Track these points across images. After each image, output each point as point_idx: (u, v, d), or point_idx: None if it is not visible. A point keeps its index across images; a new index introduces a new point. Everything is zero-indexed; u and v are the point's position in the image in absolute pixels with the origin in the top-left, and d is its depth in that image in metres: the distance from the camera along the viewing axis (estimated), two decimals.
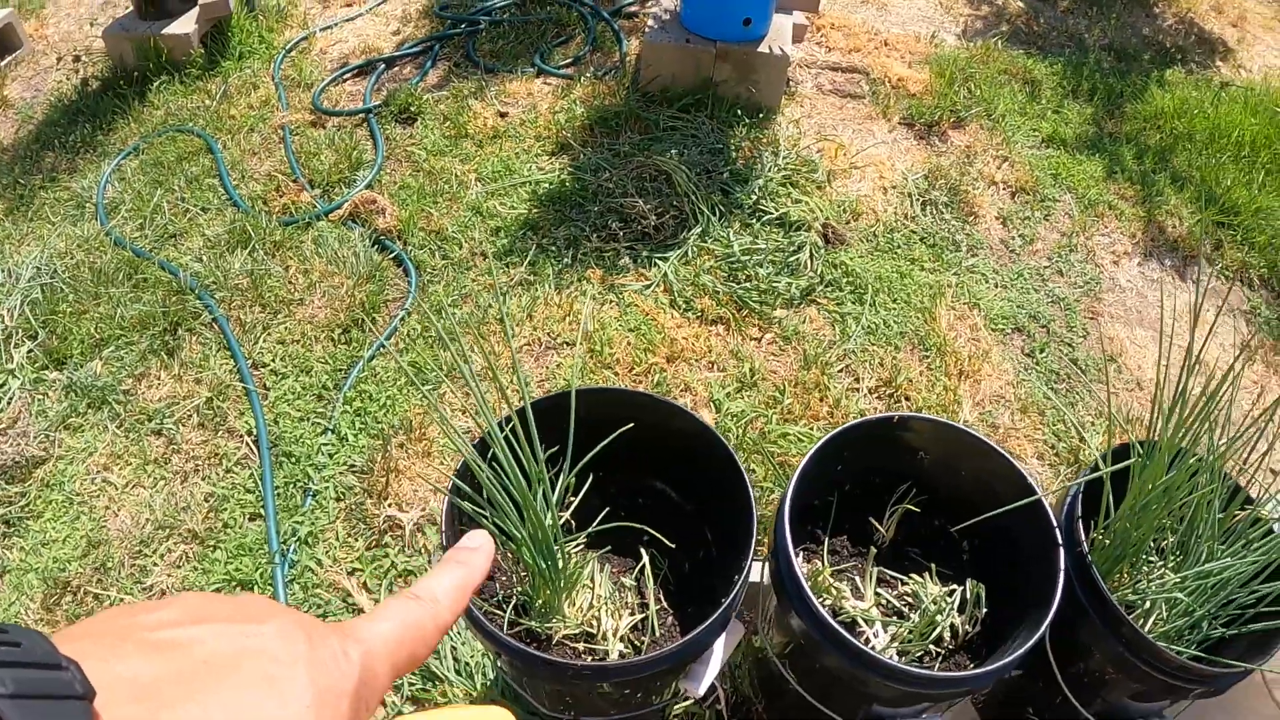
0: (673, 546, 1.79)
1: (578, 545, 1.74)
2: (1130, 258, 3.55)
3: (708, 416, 2.75)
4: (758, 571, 1.98)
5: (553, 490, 1.57)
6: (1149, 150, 4.10)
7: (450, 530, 1.61)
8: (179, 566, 2.44)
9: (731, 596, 1.56)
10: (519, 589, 1.74)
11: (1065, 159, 3.86)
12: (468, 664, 2.28)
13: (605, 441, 1.59)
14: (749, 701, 2.26)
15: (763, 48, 3.63)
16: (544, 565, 1.60)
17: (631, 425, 1.64)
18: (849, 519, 1.98)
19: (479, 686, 2.23)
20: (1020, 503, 1.71)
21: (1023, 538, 1.81)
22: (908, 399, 2.84)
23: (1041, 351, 3.06)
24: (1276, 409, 1.79)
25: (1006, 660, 1.58)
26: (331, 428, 2.73)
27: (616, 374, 2.84)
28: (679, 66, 3.70)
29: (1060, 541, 1.76)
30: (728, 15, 3.60)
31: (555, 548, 1.58)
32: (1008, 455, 1.83)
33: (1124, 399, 3.03)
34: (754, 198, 3.25)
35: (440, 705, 2.27)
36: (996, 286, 3.24)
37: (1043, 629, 1.63)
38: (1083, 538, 1.76)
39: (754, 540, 1.64)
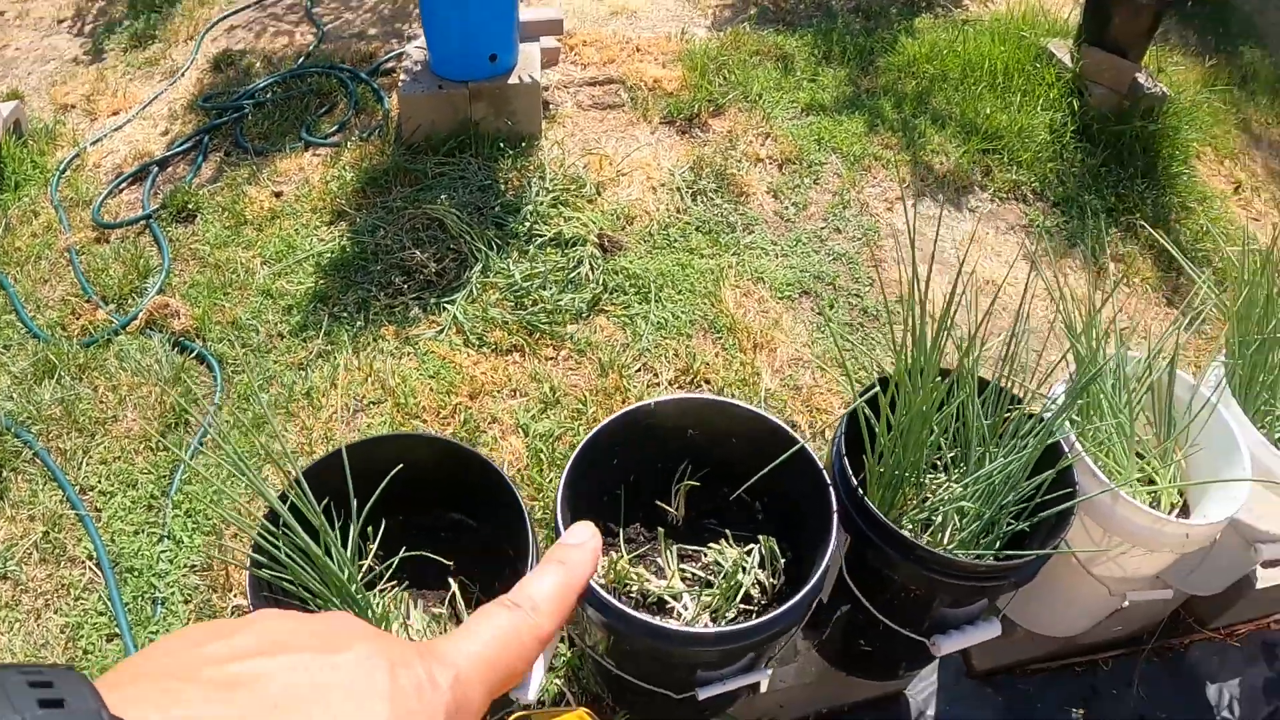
0: (448, 563, 1.82)
1: (386, 588, 1.77)
2: (903, 201, 3.70)
3: (517, 442, 2.79)
4: None
5: (345, 543, 1.61)
6: (907, 98, 4.28)
7: (256, 600, 1.63)
8: None
9: None
10: None
11: (826, 123, 4.01)
12: None
13: (377, 490, 1.63)
14: (599, 698, 2.30)
15: (513, 79, 3.70)
16: (352, 613, 1.64)
17: (401, 465, 1.69)
18: (643, 507, 2.04)
19: None
20: (784, 455, 1.78)
21: (802, 486, 1.88)
22: (707, 381, 2.92)
23: (831, 308, 3.18)
24: (1025, 310, 1.90)
25: (794, 601, 1.65)
26: (166, 534, 2.72)
27: (424, 421, 2.87)
28: (437, 113, 3.74)
29: (829, 481, 1.84)
30: (473, 55, 3.66)
31: (357, 596, 1.62)
32: (761, 412, 1.91)
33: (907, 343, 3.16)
34: (527, 224, 3.31)
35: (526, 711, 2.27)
36: (777, 257, 3.35)
37: (820, 569, 1.71)
38: (850, 473, 1.84)
39: (531, 548, 1.69)
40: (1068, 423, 2.10)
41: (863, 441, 1.83)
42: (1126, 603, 2.22)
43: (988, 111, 4.26)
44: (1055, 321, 2.17)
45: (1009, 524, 1.95)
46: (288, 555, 1.54)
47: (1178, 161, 4.55)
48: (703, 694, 1.80)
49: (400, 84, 3.80)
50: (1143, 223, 4.10)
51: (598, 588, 1.65)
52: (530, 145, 3.69)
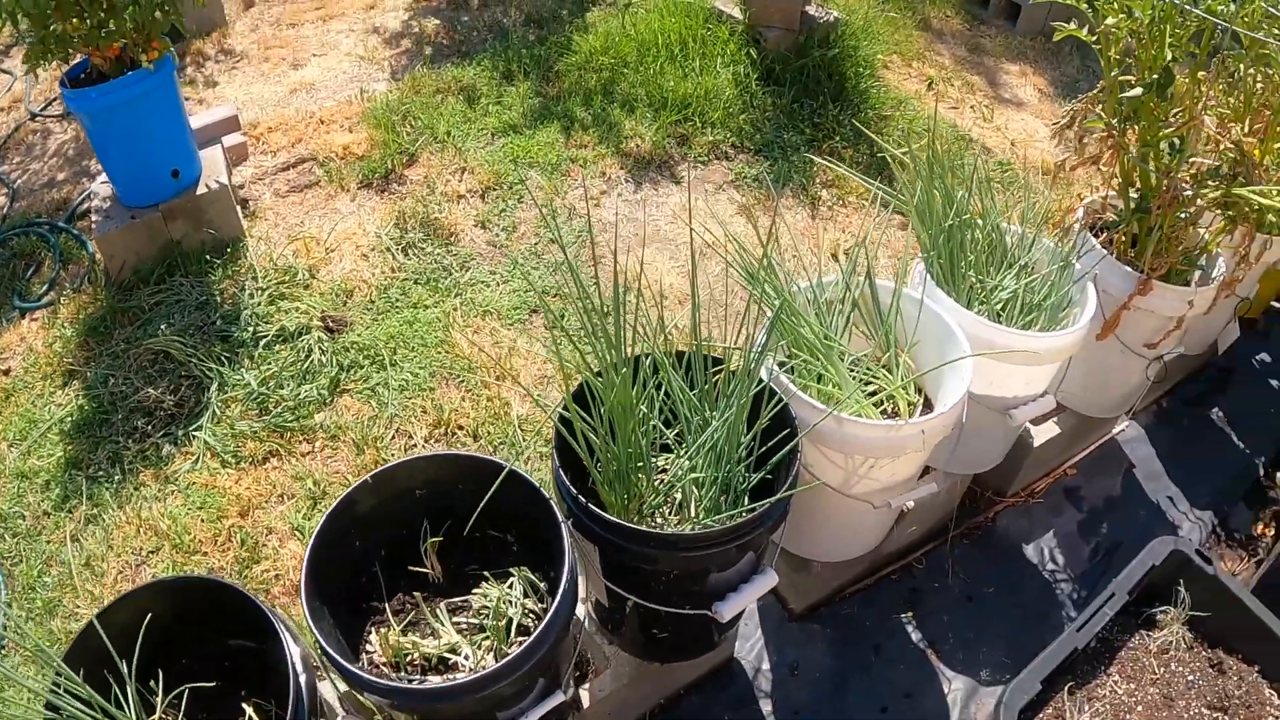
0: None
1: None
2: (609, 193, 3.84)
3: (296, 546, 2.83)
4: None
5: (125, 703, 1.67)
6: (593, 93, 4.42)
7: None
8: None
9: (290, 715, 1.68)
10: None
11: (520, 141, 4.12)
12: None
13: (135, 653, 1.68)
14: None
15: (201, 189, 3.69)
16: None
17: (151, 616, 1.75)
18: (401, 575, 2.12)
19: None
20: (496, 483, 1.88)
21: (533, 509, 1.99)
22: (460, 428, 3.01)
23: (563, 318, 3.29)
24: (702, 273, 2.01)
25: (544, 625, 1.76)
26: None
27: (206, 554, 2.88)
28: (138, 244, 3.71)
29: (547, 496, 1.95)
30: (155, 176, 3.64)
31: None
32: (463, 453, 2.01)
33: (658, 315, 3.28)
34: (250, 329, 3.33)
35: None
36: (499, 285, 3.46)
37: (561, 586, 1.82)
38: (568, 484, 1.94)
39: (289, 660, 1.75)
40: (775, 366, 2.24)
41: (582, 448, 1.93)
42: (893, 507, 2.37)
43: (671, 84, 4.43)
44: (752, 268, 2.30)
45: (745, 479, 2.08)
46: None
47: (864, 78, 4.79)
48: None
49: (94, 225, 3.75)
50: (842, 145, 4.32)
51: (370, 676, 1.73)
52: (236, 249, 3.70)
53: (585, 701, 2.34)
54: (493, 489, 1.86)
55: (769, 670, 2.64)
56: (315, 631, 1.76)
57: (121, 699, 1.71)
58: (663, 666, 2.44)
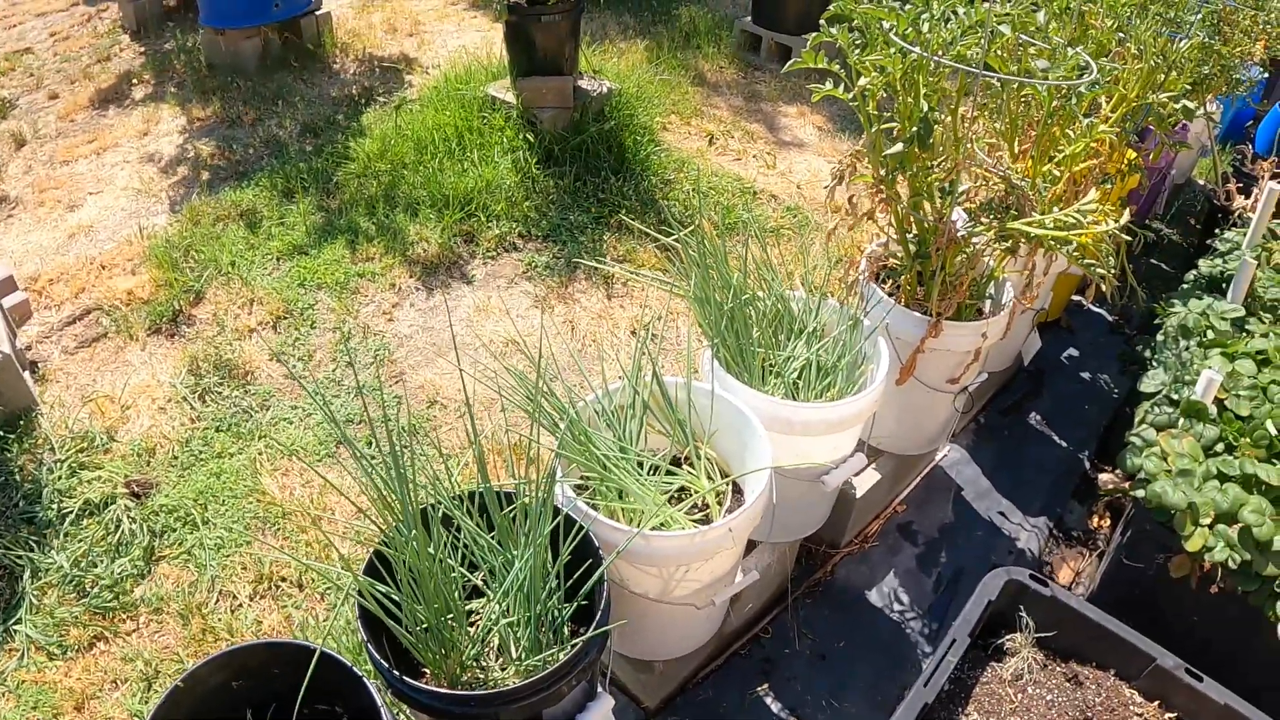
0: None
1: None
2: (401, 306, 3.89)
3: None
4: None
5: None
6: (375, 200, 4.45)
7: None
8: None
9: None
10: None
11: (306, 262, 4.14)
12: None
13: None
14: None
15: None
16: None
17: None
18: None
19: None
20: (310, 668, 1.92)
21: (350, 683, 2.04)
22: (284, 579, 3.03)
23: (369, 445, 3.33)
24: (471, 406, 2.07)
25: None
26: None
27: None
28: None
29: (360, 675, 2.02)
30: None
31: None
32: (267, 640, 2.06)
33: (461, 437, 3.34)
34: (55, 506, 3.28)
35: None
36: (302, 420, 3.48)
37: None
38: (379, 658, 2.00)
39: None
40: (572, 491, 2.31)
41: (385, 617, 1.99)
42: (716, 605, 2.45)
43: (452, 180, 4.49)
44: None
45: (561, 610, 2.15)
46: None
47: (644, 145, 4.92)
48: None
49: None
50: (628, 218, 4.43)
51: None
52: (29, 419, 3.63)
53: None
54: (308, 675, 1.90)
55: None
56: None
57: None
58: None
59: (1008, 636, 2.45)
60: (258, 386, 3.63)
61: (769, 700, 2.79)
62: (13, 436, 3.57)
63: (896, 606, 3.06)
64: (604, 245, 4.35)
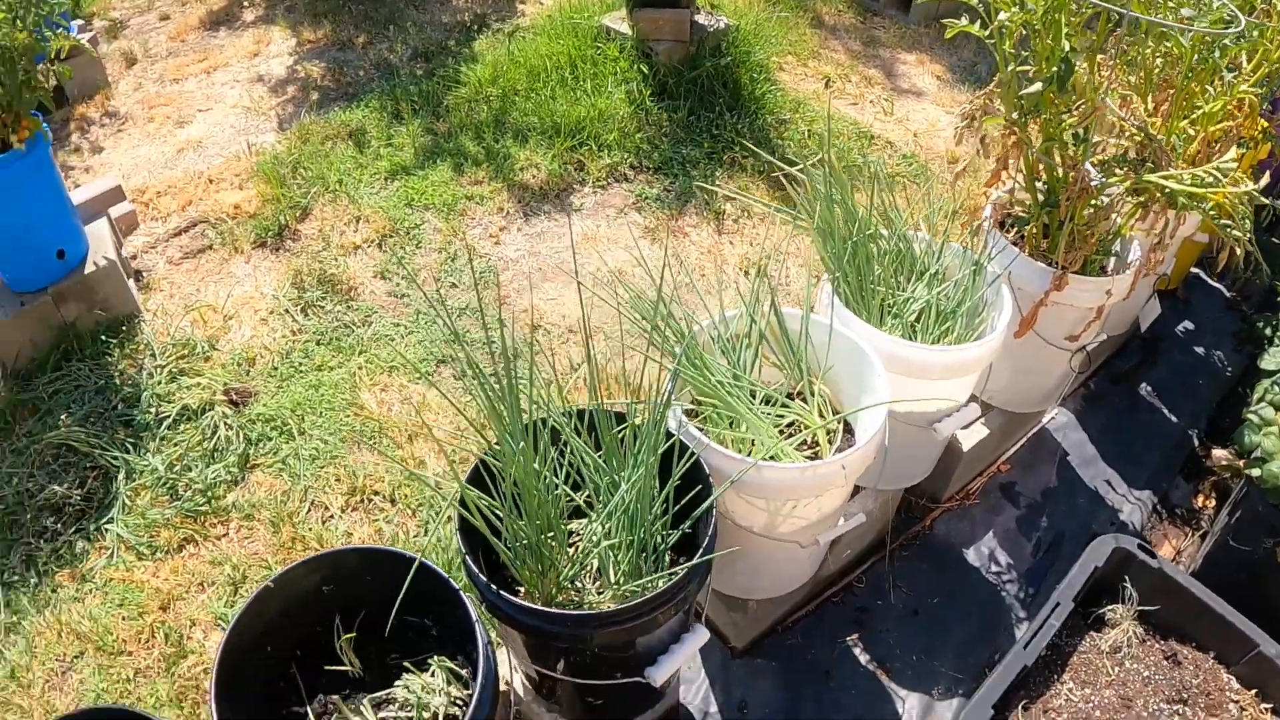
0: None
1: None
2: (509, 230, 3.79)
3: (219, 636, 2.76)
4: None
5: None
6: (484, 125, 4.36)
7: None
8: None
9: None
10: None
11: (413, 182, 4.06)
12: None
13: None
14: None
15: (89, 267, 3.59)
16: None
17: None
18: (321, 675, 2.07)
19: None
20: (409, 575, 1.83)
21: (446, 594, 1.94)
22: (377, 493, 2.96)
23: (472, 367, 3.22)
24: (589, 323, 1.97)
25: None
26: None
27: (131, 653, 2.80)
28: (31, 331, 3.59)
29: (457, 587, 1.90)
30: (40, 260, 3.53)
31: None
32: (368, 546, 1.96)
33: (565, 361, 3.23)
34: (152, 410, 3.25)
35: None
36: (403, 338, 3.40)
37: (479, 678, 1.78)
38: (476, 570, 1.89)
39: None
40: (684, 415, 2.19)
41: (484, 529, 1.89)
42: (820, 544, 2.33)
43: (564, 109, 4.38)
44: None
45: (665, 536, 2.04)
46: None
47: (760, 83, 4.76)
48: None
49: None
50: (742, 155, 4.29)
51: None
52: (132, 326, 3.61)
53: None
54: (405, 584, 1.80)
55: (717, 712, 2.58)
56: None
57: None
58: None
59: (1109, 607, 2.35)
60: (360, 303, 3.56)
61: (858, 651, 2.69)
62: (114, 342, 3.55)
63: (994, 568, 2.93)
64: (716, 181, 4.20)
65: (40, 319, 3.59)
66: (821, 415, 2.31)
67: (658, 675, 1.98)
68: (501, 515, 1.88)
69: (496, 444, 1.93)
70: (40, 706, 2.76)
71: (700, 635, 2.07)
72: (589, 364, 2.01)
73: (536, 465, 1.91)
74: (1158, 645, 2.30)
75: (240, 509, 3.00)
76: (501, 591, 1.86)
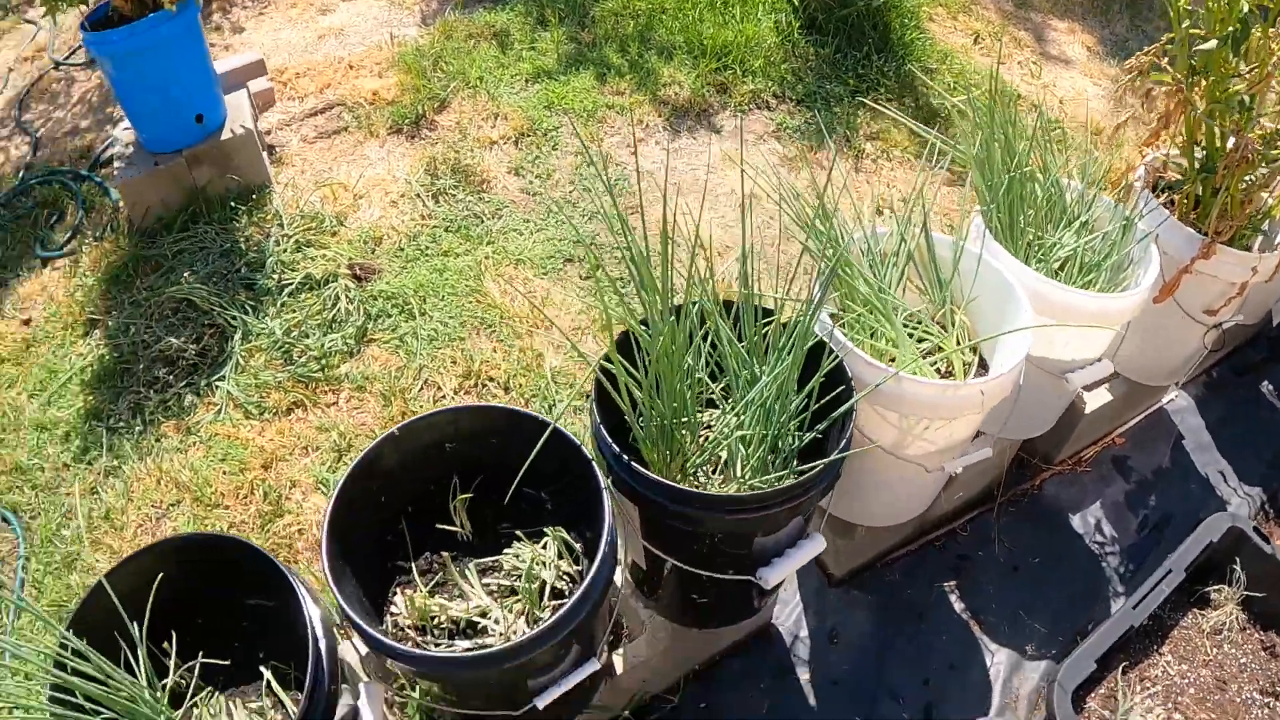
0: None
1: (202, 698, 1.75)
2: (646, 141, 3.69)
3: (320, 500, 2.72)
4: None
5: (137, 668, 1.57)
6: (629, 39, 4.26)
7: None
8: None
9: (309, 679, 1.56)
10: None
11: (554, 86, 3.97)
12: None
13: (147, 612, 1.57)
14: None
15: (226, 134, 3.57)
16: None
17: (162, 576, 1.66)
18: (428, 533, 2.00)
19: None
20: (540, 442, 1.74)
21: (573, 466, 1.86)
22: (491, 379, 2.89)
23: (598, 269, 3.15)
24: (748, 223, 1.88)
25: (581, 591, 1.63)
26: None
27: (228, 507, 2.78)
28: (161, 190, 3.60)
29: (589, 455, 1.81)
30: (178, 122, 3.52)
31: None
32: (502, 405, 1.87)
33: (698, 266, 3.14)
34: (275, 276, 3.22)
35: None
36: (532, 234, 3.32)
37: (600, 549, 1.69)
38: (610, 441, 1.81)
39: (308, 622, 1.63)
40: (828, 319, 2.10)
41: (625, 401, 1.80)
42: (945, 471, 2.24)
43: (710, 31, 4.26)
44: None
45: (795, 439, 1.95)
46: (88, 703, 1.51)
47: (909, 29, 4.61)
48: (542, 701, 1.77)
49: (117, 172, 3.64)
50: (887, 98, 4.16)
51: (393, 642, 1.61)
52: (262, 195, 3.58)
53: (618, 667, 2.23)
54: (537, 447, 1.72)
55: (807, 637, 2.54)
56: (336, 593, 1.64)
57: (133, 662, 1.59)
58: (700, 632, 2.33)
59: (1215, 586, 2.29)
60: (492, 196, 3.49)
61: (954, 598, 2.63)
62: (243, 209, 3.53)
63: (1098, 538, 2.81)
64: (857, 121, 4.06)
65: (173, 179, 3.59)
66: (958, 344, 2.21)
67: (771, 577, 1.90)
68: (641, 391, 1.79)
69: (642, 321, 1.84)
70: (131, 549, 2.75)
71: (817, 543, 1.98)
72: (744, 247, 1.91)
73: (680, 345, 1.82)
74: (1257, 634, 2.24)
75: (353, 380, 2.95)
76: (634, 464, 1.78)
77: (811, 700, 2.44)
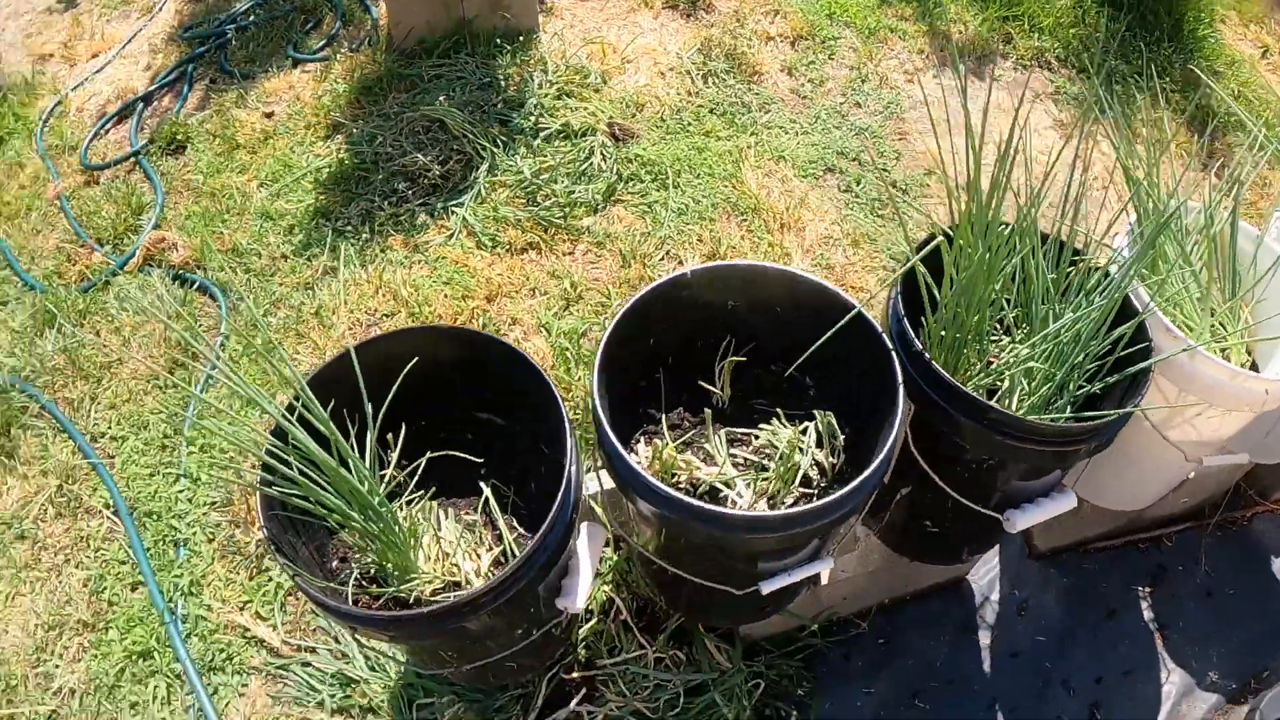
0: (478, 461, 1.69)
1: (414, 499, 1.66)
2: (924, 72, 3.52)
3: (540, 342, 2.65)
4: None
5: (363, 453, 1.49)
6: None
7: (271, 522, 1.50)
8: (79, 660, 2.36)
9: (557, 501, 1.47)
10: (370, 559, 1.64)
11: None
12: (377, 658, 2.22)
13: (392, 391, 1.50)
14: (650, 602, 2.19)
15: None
16: (376, 529, 1.52)
17: (417, 360, 1.58)
18: (683, 390, 1.90)
19: (394, 674, 2.17)
20: (841, 322, 1.63)
21: (859, 356, 1.74)
22: None
23: (858, 184, 3.01)
24: (1083, 162, 1.75)
25: (865, 476, 1.51)
26: (183, 473, 2.61)
27: None
28: (429, 14, 3.55)
29: (891, 347, 1.69)
30: None
31: (381, 509, 1.50)
32: (811, 276, 1.75)
33: (951, 208, 3.00)
34: (532, 119, 3.14)
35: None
36: (797, 135, 3.19)
37: (891, 440, 1.56)
38: (913, 336, 1.69)
39: (569, 443, 1.54)
40: (1137, 278, 1.95)
41: (919, 303, 1.68)
42: (1203, 465, 2.10)
43: None
44: (1110, 177, 2.01)
45: (1080, 387, 1.81)
46: (299, 470, 1.43)
47: (1203, 25, 4.34)
48: (766, 587, 1.69)
49: None
50: (1170, 88, 3.92)
51: (648, 475, 1.51)
52: (529, 40, 3.51)
53: (823, 577, 2.12)
54: (839, 325, 1.60)
55: (997, 602, 2.47)
56: (605, 420, 1.55)
57: (358, 446, 1.50)
58: (909, 564, 2.20)
59: None
60: (762, 89, 3.35)
61: (1145, 604, 2.52)
62: (509, 48, 3.46)
63: None
64: (1134, 104, 3.83)
65: (443, 5, 3.54)
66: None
67: (1019, 521, 1.80)
68: (944, 297, 1.66)
69: (952, 228, 1.70)
70: (334, 348, 2.72)
71: (1068, 500, 1.85)
72: (1065, 194, 1.76)
73: (997, 261, 1.68)
74: None
75: (594, 235, 2.87)
76: (938, 367, 1.65)
77: (986, 666, 2.38)
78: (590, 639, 2.13)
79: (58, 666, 2.35)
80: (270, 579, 2.40)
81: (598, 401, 1.57)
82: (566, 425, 1.55)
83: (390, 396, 1.52)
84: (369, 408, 1.50)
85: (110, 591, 2.45)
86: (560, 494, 1.48)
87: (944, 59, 3.62)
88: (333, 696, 2.18)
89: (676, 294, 1.77)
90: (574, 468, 1.52)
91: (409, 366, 1.55)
